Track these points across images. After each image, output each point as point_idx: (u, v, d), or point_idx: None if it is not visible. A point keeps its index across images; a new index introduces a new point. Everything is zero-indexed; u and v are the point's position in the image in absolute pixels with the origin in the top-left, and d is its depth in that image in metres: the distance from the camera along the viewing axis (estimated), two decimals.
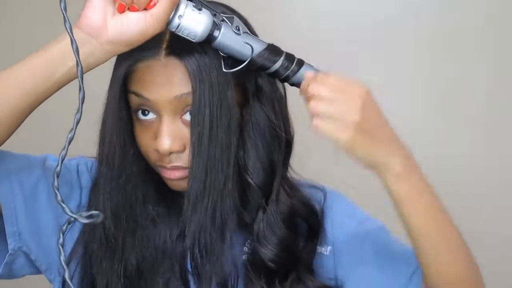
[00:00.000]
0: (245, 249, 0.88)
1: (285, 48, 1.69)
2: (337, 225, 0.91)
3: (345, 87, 0.73)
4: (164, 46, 0.78)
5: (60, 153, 0.63)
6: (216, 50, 0.77)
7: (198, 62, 0.76)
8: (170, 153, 0.79)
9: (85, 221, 0.58)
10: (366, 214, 0.94)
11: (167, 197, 0.87)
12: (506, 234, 1.62)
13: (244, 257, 0.88)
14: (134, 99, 0.80)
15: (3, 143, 0.75)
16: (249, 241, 0.88)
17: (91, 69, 0.72)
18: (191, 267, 0.84)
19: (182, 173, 0.81)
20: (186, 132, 0.79)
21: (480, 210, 1.63)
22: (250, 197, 0.85)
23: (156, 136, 0.79)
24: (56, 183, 0.60)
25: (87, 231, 0.85)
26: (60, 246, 0.58)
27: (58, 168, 0.62)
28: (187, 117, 0.79)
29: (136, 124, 0.82)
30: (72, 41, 0.66)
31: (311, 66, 0.81)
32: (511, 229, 1.62)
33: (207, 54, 0.77)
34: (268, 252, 0.84)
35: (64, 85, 0.73)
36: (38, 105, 0.74)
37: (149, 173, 0.84)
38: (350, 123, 0.71)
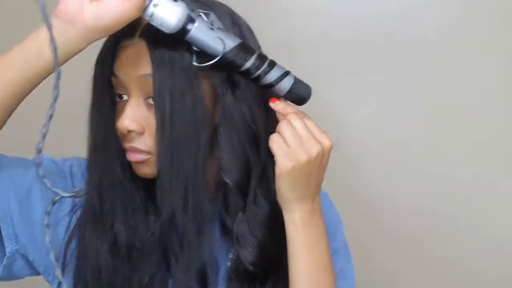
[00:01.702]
0: (230, 255, 0.89)
1: (285, 47, 1.71)
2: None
3: (316, 133, 0.83)
4: (141, 27, 0.80)
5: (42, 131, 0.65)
6: (189, 44, 0.78)
7: (163, 49, 0.78)
8: (129, 132, 0.81)
9: (67, 195, 0.60)
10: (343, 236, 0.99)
11: (144, 188, 0.88)
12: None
13: (228, 264, 0.89)
14: (113, 81, 0.82)
15: None
16: (233, 249, 0.89)
17: (71, 57, 0.74)
18: (171, 253, 0.84)
19: (140, 157, 0.82)
20: (147, 115, 0.81)
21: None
22: (229, 199, 0.86)
23: None
24: (38, 159, 0.63)
25: (82, 209, 0.87)
26: (46, 227, 0.61)
27: (40, 145, 0.66)
28: (151, 101, 0.81)
29: (116, 107, 0.84)
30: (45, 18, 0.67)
31: (283, 68, 0.83)
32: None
33: (177, 45, 0.78)
34: (247, 254, 0.85)
35: (45, 77, 0.74)
36: (22, 99, 0.76)
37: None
38: (296, 160, 0.80)
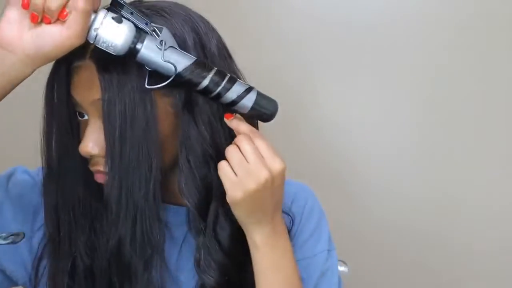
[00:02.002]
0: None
1: (285, 47, 1.70)
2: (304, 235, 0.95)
3: (267, 157, 0.78)
4: (91, 48, 0.76)
5: None
6: (142, 64, 0.74)
7: (112, 70, 0.74)
8: (92, 156, 0.79)
9: (3, 242, 0.59)
10: (329, 235, 0.97)
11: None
12: None
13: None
14: (72, 101, 0.80)
15: None
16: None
17: (18, 83, 0.72)
18: (115, 286, 0.82)
19: (104, 178, 0.80)
20: None
21: None
22: (192, 222, 0.85)
23: None
24: None
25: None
26: None
27: None
28: None
29: (79, 127, 0.82)
30: None
31: (245, 84, 0.78)
32: None
33: (128, 65, 0.75)
34: (208, 279, 0.84)
35: None
36: None
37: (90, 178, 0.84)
38: (244, 189, 0.77)
